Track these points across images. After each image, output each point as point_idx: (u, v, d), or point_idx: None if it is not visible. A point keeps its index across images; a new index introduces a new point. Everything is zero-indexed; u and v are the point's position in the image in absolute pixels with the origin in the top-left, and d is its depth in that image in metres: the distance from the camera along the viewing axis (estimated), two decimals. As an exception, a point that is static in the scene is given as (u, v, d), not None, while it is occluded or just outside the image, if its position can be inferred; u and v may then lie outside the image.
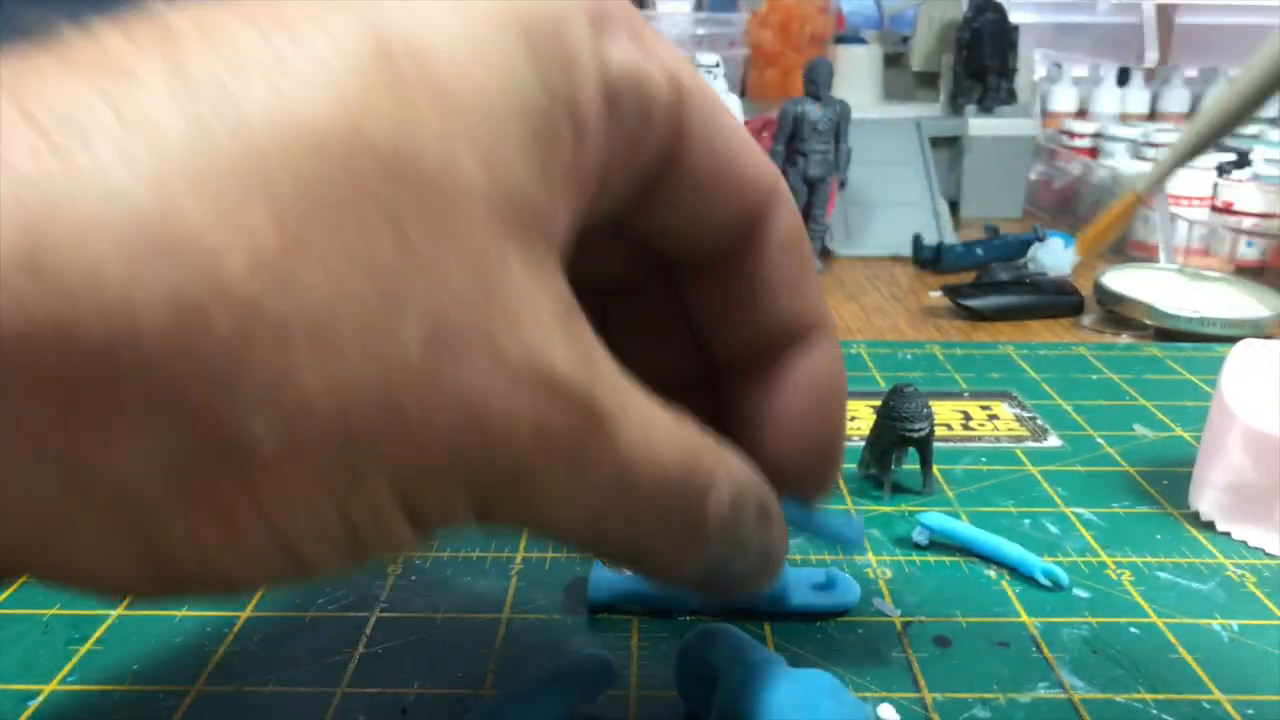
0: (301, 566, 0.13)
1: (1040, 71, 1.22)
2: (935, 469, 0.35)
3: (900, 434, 0.33)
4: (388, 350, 0.13)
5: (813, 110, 0.67)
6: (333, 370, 0.12)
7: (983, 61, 0.83)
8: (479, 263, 0.14)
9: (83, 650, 0.26)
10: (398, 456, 0.13)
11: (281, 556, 0.13)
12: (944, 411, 0.42)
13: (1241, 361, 0.34)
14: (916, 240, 0.74)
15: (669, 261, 0.20)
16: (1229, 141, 0.73)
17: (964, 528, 0.31)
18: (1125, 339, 0.55)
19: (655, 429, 0.16)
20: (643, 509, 0.16)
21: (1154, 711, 0.24)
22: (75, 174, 0.11)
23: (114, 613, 0.27)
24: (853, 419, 0.41)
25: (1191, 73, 1.27)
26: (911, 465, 0.35)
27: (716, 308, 0.21)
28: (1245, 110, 0.19)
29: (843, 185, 0.70)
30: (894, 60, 0.94)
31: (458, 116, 0.13)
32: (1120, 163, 0.88)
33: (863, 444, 0.36)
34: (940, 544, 0.31)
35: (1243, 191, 0.71)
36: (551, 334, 0.14)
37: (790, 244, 0.20)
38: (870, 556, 0.30)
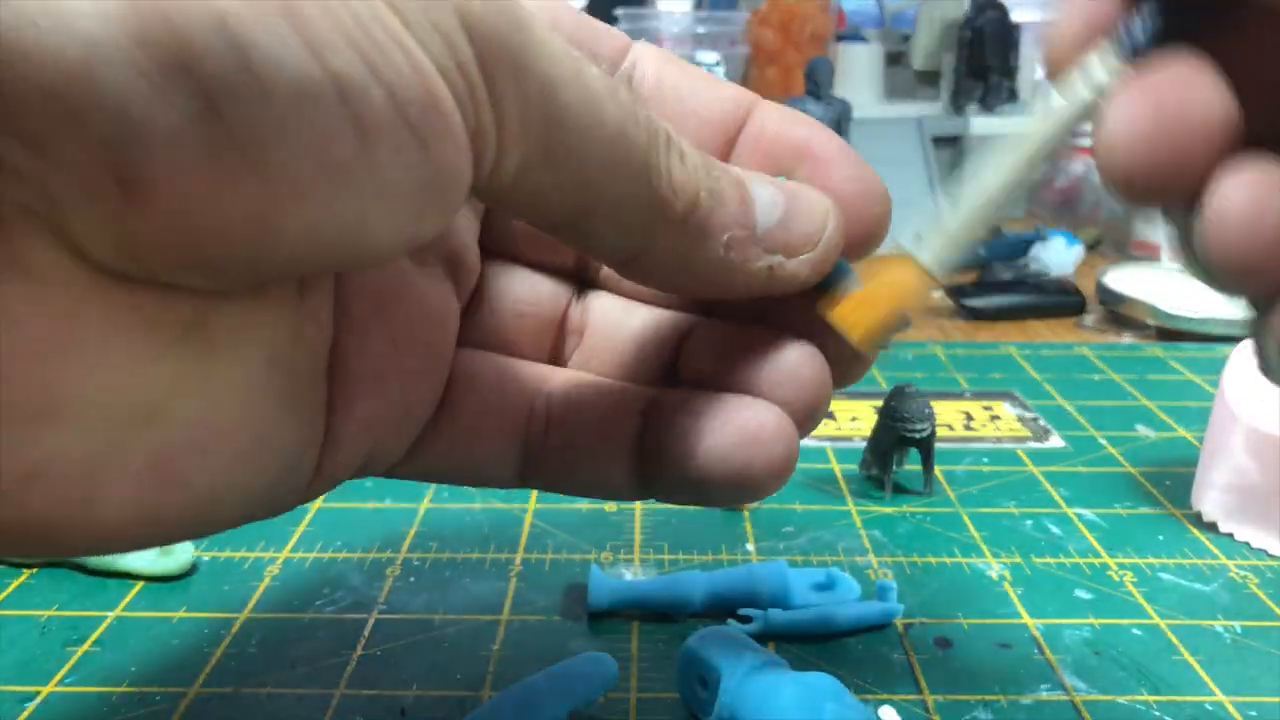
0: (334, 72, 0.12)
1: (1041, 70, 1.22)
2: (937, 469, 0.35)
3: (901, 435, 0.33)
4: None
5: (813, 109, 0.67)
6: None
7: (984, 60, 0.83)
8: None
9: (80, 651, 0.26)
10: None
11: (308, 52, 0.12)
12: (946, 412, 0.42)
13: (1244, 362, 0.34)
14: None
15: None
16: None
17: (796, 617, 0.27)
18: (1127, 339, 0.55)
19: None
20: (615, 115, 0.15)
21: (1156, 713, 0.24)
22: None
23: (112, 614, 0.27)
24: (853, 419, 0.41)
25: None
26: (913, 466, 0.35)
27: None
28: (1028, 180, 0.17)
29: (844, 184, 0.70)
30: (895, 59, 0.94)
31: None
32: (1122, 162, 0.88)
33: (863, 445, 0.35)
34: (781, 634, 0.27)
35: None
36: None
37: (665, 63, 0.19)
38: (871, 558, 0.30)
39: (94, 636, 0.26)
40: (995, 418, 0.41)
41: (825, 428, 0.40)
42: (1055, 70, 0.17)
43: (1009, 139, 0.18)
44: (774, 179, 0.18)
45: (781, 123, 0.19)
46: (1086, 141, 0.98)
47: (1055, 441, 0.39)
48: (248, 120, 0.11)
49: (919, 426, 0.33)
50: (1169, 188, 0.16)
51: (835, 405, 0.42)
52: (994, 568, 0.30)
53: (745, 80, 0.87)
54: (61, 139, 0.11)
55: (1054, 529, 0.32)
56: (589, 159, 0.15)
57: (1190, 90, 0.15)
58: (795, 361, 0.19)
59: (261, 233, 0.12)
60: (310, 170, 0.12)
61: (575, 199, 0.15)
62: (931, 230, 0.18)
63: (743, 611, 0.27)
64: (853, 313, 0.18)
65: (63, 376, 0.12)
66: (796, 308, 0.19)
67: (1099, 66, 0.17)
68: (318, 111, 0.12)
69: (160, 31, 0.11)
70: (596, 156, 0.15)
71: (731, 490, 0.19)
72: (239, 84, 0.11)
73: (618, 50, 0.19)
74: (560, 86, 0.14)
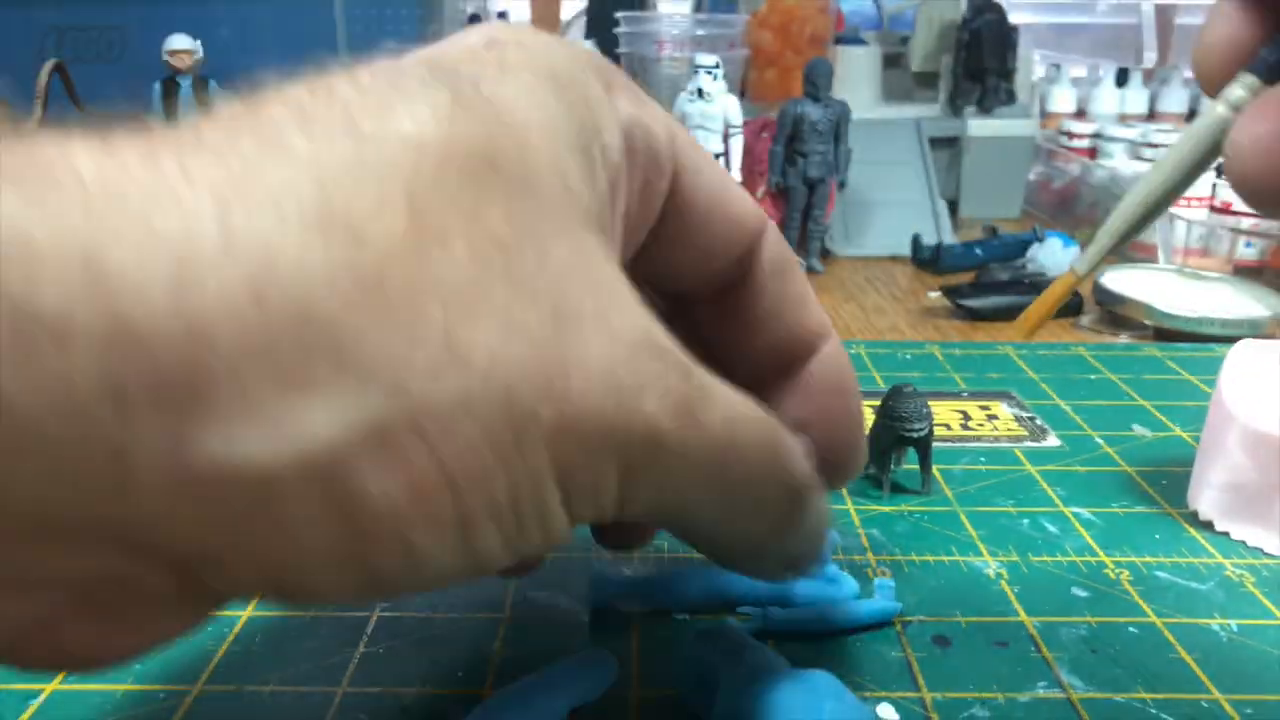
0: (474, 542, 0.15)
1: (1039, 72, 1.22)
2: (935, 469, 0.35)
3: (899, 434, 0.33)
4: (521, 318, 0.14)
5: (812, 111, 0.67)
6: (478, 333, 0.14)
7: (982, 62, 0.84)
8: (577, 248, 0.16)
9: (84, 650, 0.26)
10: (551, 420, 0.15)
11: (460, 523, 0.14)
12: (943, 411, 0.42)
13: (1240, 362, 0.34)
14: (916, 240, 0.74)
15: (681, 299, 0.23)
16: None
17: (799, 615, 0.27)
18: (1124, 339, 0.55)
19: (740, 398, 0.18)
20: (743, 470, 0.18)
21: (1153, 711, 0.24)
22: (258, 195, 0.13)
23: (115, 612, 0.27)
24: (852, 419, 0.41)
25: (1190, 73, 1.27)
26: (911, 465, 0.35)
27: (729, 333, 0.23)
28: (1181, 187, 0.20)
29: (842, 186, 0.70)
30: (893, 61, 0.94)
31: (523, 134, 0.16)
32: (1119, 163, 0.88)
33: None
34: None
35: (1241, 192, 0.71)
36: (643, 311, 0.17)
37: (784, 267, 0.22)
38: (869, 556, 0.31)
39: (97, 635, 0.26)
40: (992, 417, 0.42)
41: (824, 428, 0.40)
42: (1205, 89, 0.20)
43: (1157, 158, 0.21)
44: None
45: (838, 373, 0.24)
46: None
47: (1052, 441, 0.39)
48: (395, 586, 0.15)
49: (917, 426, 0.33)
50: None
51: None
52: (991, 566, 0.30)
53: (744, 82, 0.87)
54: (240, 563, 0.14)
55: (1051, 528, 0.32)
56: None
57: None
58: None
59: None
60: (418, 589, 0.16)
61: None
62: (1093, 239, 0.22)
63: (742, 609, 0.27)
64: (1025, 318, 0.25)
65: None
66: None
67: (1237, 85, 0.19)
68: (449, 573, 0.15)
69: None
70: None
71: None
72: (403, 574, 0.15)
73: (749, 234, 0.22)
74: (705, 472, 0.17)
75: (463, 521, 0.14)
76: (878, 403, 0.35)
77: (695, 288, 0.22)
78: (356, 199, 0.14)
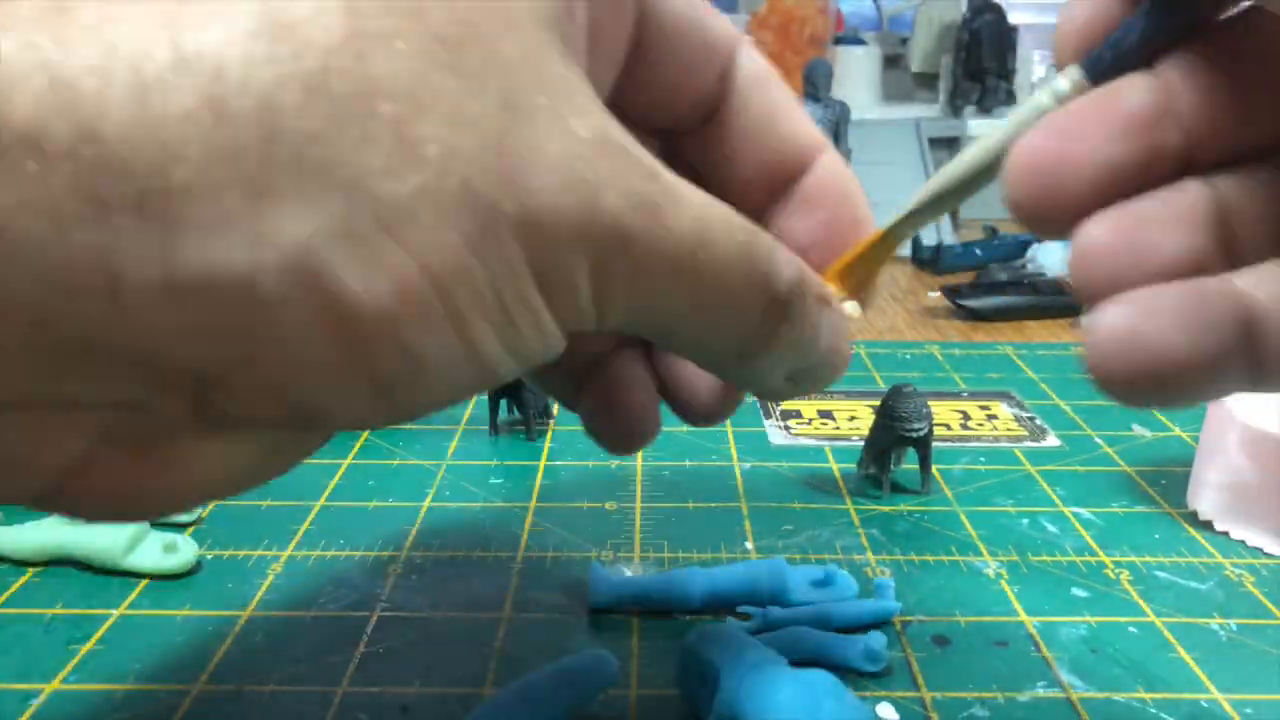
0: (471, 340, 0.15)
1: (1039, 72, 1.22)
2: (934, 469, 0.35)
3: (899, 434, 0.33)
4: (473, 110, 0.15)
5: (812, 111, 0.67)
6: (428, 127, 0.14)
7: (981, 62, 0.84)
8: (528, 44, 0.16)
9: (84, 650, 0.26)
10: (514, 213, 0.15)
11: (450, 319, 0.15)
12: (943, 411, 0.42)
13: None
14: (915, 241, 0.74)
15: (670, 134, 0.22)
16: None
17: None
18: (1124, 339, 0.55)
19: (712, 203, 0.17)
20: (719, 274, 0.17)
21: (1152, 710, 0.24)
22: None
23: (115, 612, 0.27)
24: (852, 419, 0.41)
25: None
26: (911, 465, 0.35)
27: (720, 157, 0.22)
28: (982, 178, 0.18)
29: (842, 186, 0.70)
30: (893, 61, 0.94)
31: None
32: (1119, 163, 0.88)
33: (861, 444, 0.36)
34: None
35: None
36: (601, 110, 0.16)
37: (765, 77, 0.22)
38: (869, 556, 0.31)
39: (98, 635, 0.26)
40: (992, 417, 0.42)
41: (824, 427, 0.40)
42: (1058, 68, 0.18)
43: (978, 138, 0.19)
44: (841, 308, 0.21)
45: (840, 179, 0.22)
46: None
47: (1052, 441, 0.39)
48: (410, 399, 0.16)
49: (916, 426, 0.33)
50: (1044, 220, 0.17)
51: (834, 405, 0.42)
52: (991, 566, 0.30)
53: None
54: (255, 390, 0.14)
55: (1050, 527, 0.32)
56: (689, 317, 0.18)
57: (1082, 135, 0.16)
58: None
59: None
60: (434, 403, 0.16)
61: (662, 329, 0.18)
62: (899, 209, 0.20)
63: (741, 609, 0.27)
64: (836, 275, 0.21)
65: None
66: None
67: (1063, 77, 0.17)
68: (457, 378, 0.15)
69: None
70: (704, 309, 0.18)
71: None
72: (411, 381, 0.15)
73: (725, 50, 0.21)
74: (676, 275, 0.17)
75: (452, 316, 0.15)
76: (878, 403, 0.35)
77: (681, 115, 0.22)
78: (295, 5, 0.14)
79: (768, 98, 0.22)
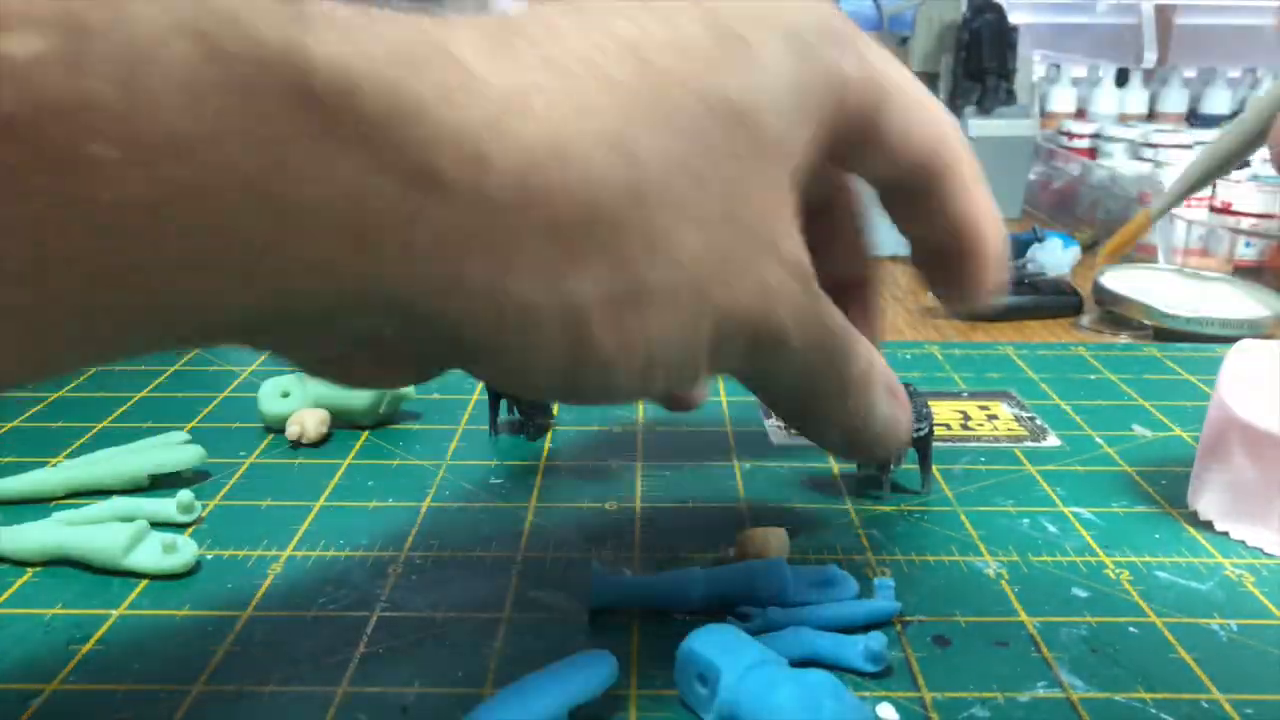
0: (648, 381, 0.21)
1: (1039, 72, 1.22)
2: (934, 469, 0.35)
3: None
4: (720, 235, 0.20)
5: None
6: (689, 240, 0.20)
7: (981, 62, 0.83)
8: (775, 193, 0.22)
9: (84, 650, 0.26)
10: (721, 304, 0.21)
11: (644, 368, 0.21)
12: (943, 411, 0.42)
13: (1240, 361, 0.34)
14: (915, 241, 0.74)
15: (881, 189, 0.27)
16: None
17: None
18: (1124, 339, 0.55)
19: (832, 306, 0.24)
20: (824, 362, 0.24)
21: (1153, 711, 0.24)
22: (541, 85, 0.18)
23: (115, 612, 0.27)
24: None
25: (1190, 73, 1.27)
26: (911, 465, 0.35)
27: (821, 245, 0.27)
28: (1247, 149, 0.22)
29: (842, 186, 0.70)
30: (893, 61, 0.94)
31: (765, 96, 0.21)
32: (1119, 163, 0.88)
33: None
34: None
35: (1241, 192, 0.71)
36: (800, 242, 0.23)
37: (972, 182, 0.26)
38: (869, 556, 0.31)
39: (97, 635, 0.26)
40: (992, 417, 0.42)
41: (824, 427, 0.40)
42: None
43: (1236, 120, 0.24)
44: (906, 404, 0.28)
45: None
46: (1082, 143, 0.98)
47: (1052, 441, 0.39)
48: (582, 402, 0.26)
49: (917, 425, 0.33)
50: None
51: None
52: (991, 566, 0.30)
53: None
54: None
55: (1051, 528, 0.32)
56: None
57: None
58: None
59: None
60: (599, 400, 0.23)
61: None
62: (1160, 194, 0.26)
63: (741, 609, 0.27)
64: (1107, 247, 0.30)
65: None
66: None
67: None
68: (622, 396, 0.22)
69: None
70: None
71: None
72: (593, 390, 0.21)
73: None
74: (788, 363, 0.24)
75: (645, 367, 0.21)
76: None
77: (884, 183, 0.27)
78: (640, 125, 0.19)
79: (971, 208, 0.27)
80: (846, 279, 0.28)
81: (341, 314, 0.18)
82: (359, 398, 0.39)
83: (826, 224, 0.27)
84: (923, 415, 0.34)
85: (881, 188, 0.27)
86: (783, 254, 0.22)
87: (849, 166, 0.26)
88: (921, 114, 0.25)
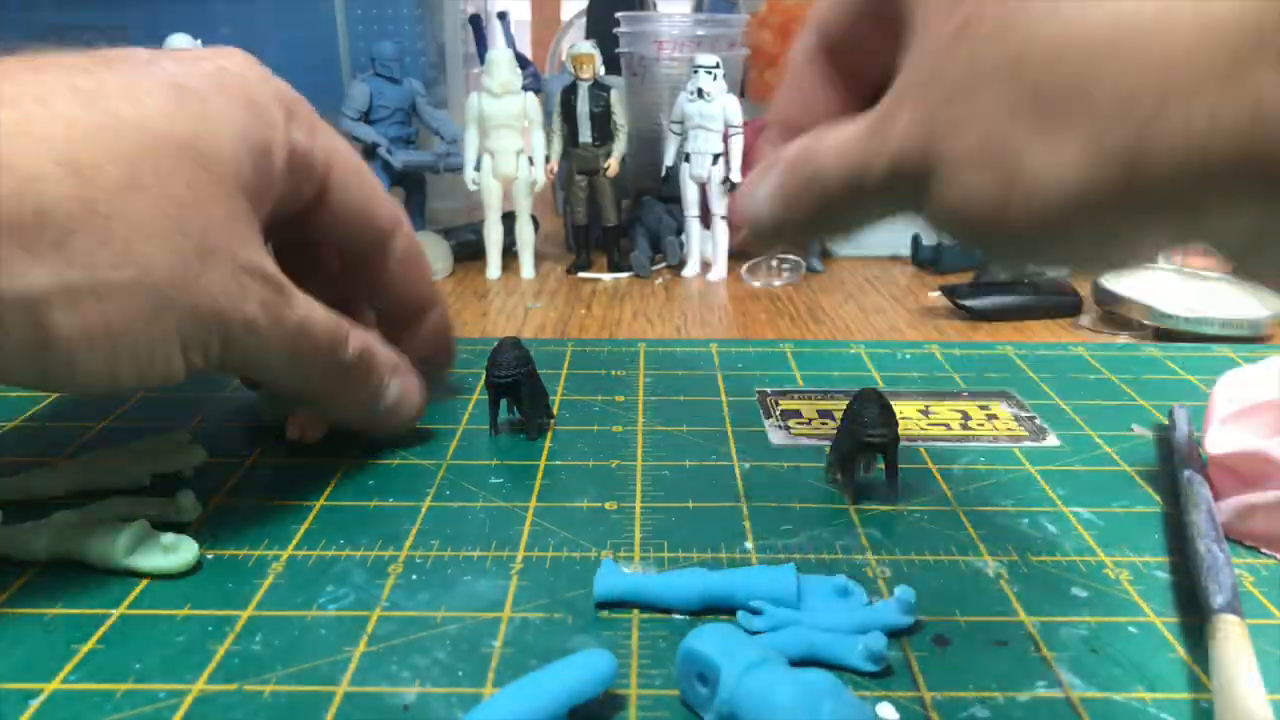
0: (116, 367, 0.27)
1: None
2: (934, 468, 0.35)
3: (862, 439, 0.33)
4: (179, 245, 0.27)
5: (812, 111, 0.67)
6: (144, 248, 0.26)
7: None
8: (230, 208, 0.28)
9: (84, 649, 0.26)
10: (185, 304, 0.27)
11: (109, 354, 0.26)
12: (942, 411, 0.42)
13: (1229, 387, 0.34)
14: (915, 240, 0.74)
15: (351, 264, 0.37)
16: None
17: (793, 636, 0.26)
18: (1123, 339, 0.55)
19: (314, 306, 0.31)
20: (311, 349, 0.31)
21: (1152, 711, 0.24)
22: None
23: (116, 611, 0.27)
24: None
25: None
26: (912, 465, 0.35)
27: (371, 287, 0.38)
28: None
29: (842, 186, 0.70)
30: (893, 61, 0.94)
31: (213, 126, 0.28)
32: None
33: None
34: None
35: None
36: (262, 253, 0.29)
37: (408, 257, 0.38)
38: (869, 555, 0.31)
39: (98, 634, 0.26)
40: (992, 417, 0.42)
41: (824, 427, 0.40)
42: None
43: None
44: (401, 376, 0.37)
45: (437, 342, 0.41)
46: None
47: (1052, 440, 0.39)
48: (64, 380, 0.28)
49: (878, 432, 0.33)
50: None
51: (834, 405, 0.42)
52: (991, 566, 0.30)
53: (745, 83, 0.87)
54: None
55: (1050, 527, 0.32)
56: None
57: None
58: None
59: None
60: (79, 389, 0.29)
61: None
62: None
63: (742, 610, 0.27)
64: None
65: None
66: None
67: None
68: (92, 384, 0.27)
69: None
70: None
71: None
72: (71, 376, 0.27)
73: (388, 231, 0.37)
74: (275, 356, 0.31)
75: (110, 353, 0.26)
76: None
77: (356, 256, 0.37)
78: (91, 152, 0.25)
79: (408, 270, 0.38)
80: (408, 311, 0.39)
81: None
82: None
83: (377, 270, 0.37)
84: (886, 421, 0.33)
85: (342, 255, 0.37)
86: (242, 262, 0.28)
87: (312, 229, 0.34)
88: (361, 180, 0.35)
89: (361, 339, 0.33)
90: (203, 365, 0.28)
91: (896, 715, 0.24)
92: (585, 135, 0.70)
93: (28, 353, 0.25)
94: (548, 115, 0.71)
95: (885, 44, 0.25)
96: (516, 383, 0.38)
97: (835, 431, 0.35)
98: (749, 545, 0.31)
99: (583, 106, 0.69)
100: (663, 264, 0.73)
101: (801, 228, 0.27)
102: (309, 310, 0.31)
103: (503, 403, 0.39)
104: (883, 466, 0.34)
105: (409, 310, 0.39)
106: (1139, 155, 0.17)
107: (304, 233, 0.34)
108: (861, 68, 0.27)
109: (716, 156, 0.67)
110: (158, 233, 0.26)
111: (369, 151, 0.76)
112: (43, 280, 0.24)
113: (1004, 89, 0.19)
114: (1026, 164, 0.19)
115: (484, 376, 0.39)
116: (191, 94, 0.28)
